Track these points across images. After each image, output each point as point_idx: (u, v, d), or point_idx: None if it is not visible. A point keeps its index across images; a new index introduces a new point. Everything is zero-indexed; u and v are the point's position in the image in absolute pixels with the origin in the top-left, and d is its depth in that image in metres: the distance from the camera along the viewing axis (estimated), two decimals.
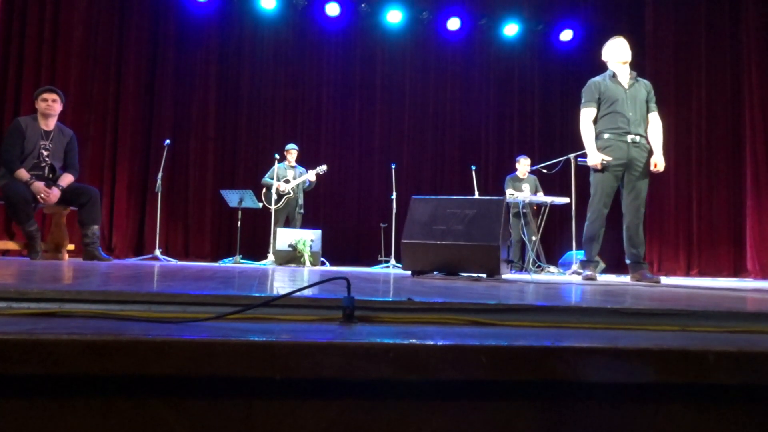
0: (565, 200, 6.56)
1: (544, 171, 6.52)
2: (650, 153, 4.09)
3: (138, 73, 8.27)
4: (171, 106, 8.48)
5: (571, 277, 5.20)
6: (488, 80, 9.59)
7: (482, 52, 9.59)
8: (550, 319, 1.13)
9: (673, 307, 1.26)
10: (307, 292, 1.18)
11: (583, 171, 4.37)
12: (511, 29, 9.39)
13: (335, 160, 8.74)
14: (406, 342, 0.82)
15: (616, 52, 4.18)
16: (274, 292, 1.40)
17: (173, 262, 6.42)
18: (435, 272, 3.76)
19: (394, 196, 7.43)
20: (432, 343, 0.82)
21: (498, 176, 8.51)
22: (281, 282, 2.12)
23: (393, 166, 7.56)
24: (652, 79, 4.59)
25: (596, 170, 4.08)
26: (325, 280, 1.36)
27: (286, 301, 1.10)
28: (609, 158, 4.05)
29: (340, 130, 9.14)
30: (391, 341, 0.82)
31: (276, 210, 7.04)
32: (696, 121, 8.09)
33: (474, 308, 1.13)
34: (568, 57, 9.53)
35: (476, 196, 7.05)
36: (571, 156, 6.10)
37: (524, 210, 6.73)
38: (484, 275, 3.67)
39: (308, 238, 6.40)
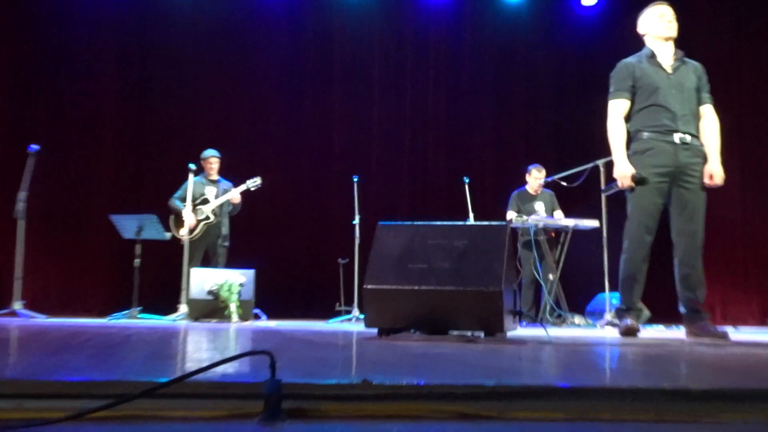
0: (593, 224, 6.58)
1: (564, 184, 6.49)
2: (705, 159, 4.12)
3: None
4: (50, 101, 8.21)
5: (603, 332, 5.23)
6: (484, 63, 9.49)
7: (475, 25, 9.47)
8: (574, 407, 1.08)
9: (758, 385, 1.22)
10: (214, 373, 1.09)
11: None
12: None
13: (278, 172, 8.48)
14: None
15: (657, 25, 4.20)
16: (168, 373, 1.31)
17: (40, 319, 6.16)
18: (412, 330, 3.68)
19: (357, 221, 7.33)
20: None
21: (500, 191, 8.40)
22: (187, 352, 2.02)
23: (355, 180, 7.48)
24: (708, 60, 4.63)
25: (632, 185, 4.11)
26: (236, 356, 1.28)
27: (180, 388, 1.01)
28: (643, 172, 4.06)
29: (285, 133, 8.97)
30: None
31: (191, 242, 6.90)
32: None
33: (462, 392, 1.09)
34: (592, 28, 9.40)
35: (470, 220, 7.03)
36: (600, 162, 6.10)
37: (538, 238, 6.75)
38: (481, 334, 3.58)
39: (236, 282, 6.25)
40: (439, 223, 3.82)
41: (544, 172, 7.28)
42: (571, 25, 9.64)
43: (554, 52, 9.62)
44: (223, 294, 6.20)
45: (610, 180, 4.49)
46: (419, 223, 3.84)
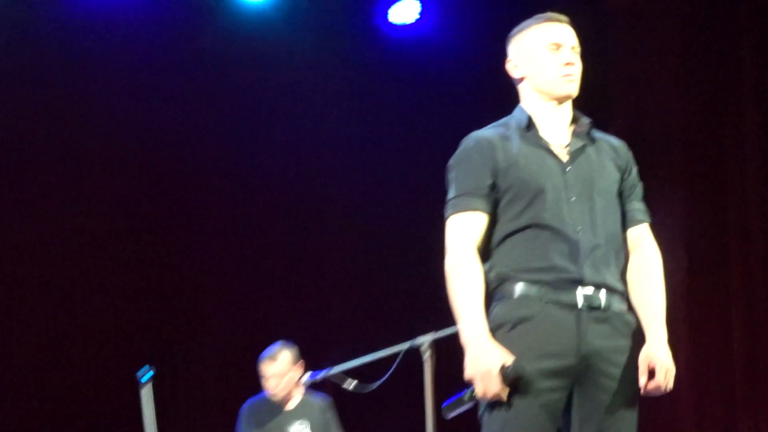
0: None
1: (351, 387, 4.50)
2: (636, 336, 2.77)
3: None
4: None
5: None
6: (197, 114, 6.90)
7: (185, 42, 6.83)
8: None
9: None
10: None
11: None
12: None
13: None
14: None
15: (544, 65, 2.69)
16: None
17: None
18: None
19: None
20: None
21: (231, 403, 6.25)
22: None
23: None
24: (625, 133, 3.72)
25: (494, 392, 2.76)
26: None
27: None
28: (519, 366, 2.65)
29: None
30: None
31: None
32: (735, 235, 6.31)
33: None
34: (417, 63, 7.39)
35: None
36: (425, 340, 4.25)
37: None
38: None
39: None
40: None
41: (289, 357, 5.47)
42: (378, 52, 7.75)
43: (352, 99, 7.72)
44: None
45: (451, 379, 3.22)
46: None
